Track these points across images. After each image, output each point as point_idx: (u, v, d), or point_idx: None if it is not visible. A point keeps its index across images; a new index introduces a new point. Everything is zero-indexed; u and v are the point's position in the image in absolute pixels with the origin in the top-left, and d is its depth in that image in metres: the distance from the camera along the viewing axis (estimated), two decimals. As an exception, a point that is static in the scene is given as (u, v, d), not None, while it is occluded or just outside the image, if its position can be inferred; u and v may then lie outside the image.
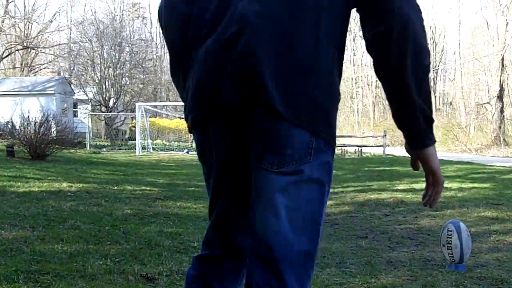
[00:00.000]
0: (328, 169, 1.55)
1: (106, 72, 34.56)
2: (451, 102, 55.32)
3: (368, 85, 57.72)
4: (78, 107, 37.53)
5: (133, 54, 37.51)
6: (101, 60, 34.70)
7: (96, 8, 50.54)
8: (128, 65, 36.67)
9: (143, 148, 28.21)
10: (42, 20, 43.26)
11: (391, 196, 8.64)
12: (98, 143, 33.36)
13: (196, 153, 2.47)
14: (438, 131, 38.56)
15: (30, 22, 39.92)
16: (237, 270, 1.78)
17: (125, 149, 29.58)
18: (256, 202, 1.55)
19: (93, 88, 35.04)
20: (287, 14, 1.46)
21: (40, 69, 42.06)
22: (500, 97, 33.87)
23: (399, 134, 39.15)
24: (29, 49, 38.37)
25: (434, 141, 1.57)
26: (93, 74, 34.94)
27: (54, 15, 43.24)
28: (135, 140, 28.73)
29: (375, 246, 5.11)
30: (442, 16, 56.18)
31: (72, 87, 35.94)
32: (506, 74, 35.64)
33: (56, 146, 16.02)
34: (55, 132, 16.42)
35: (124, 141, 36.04)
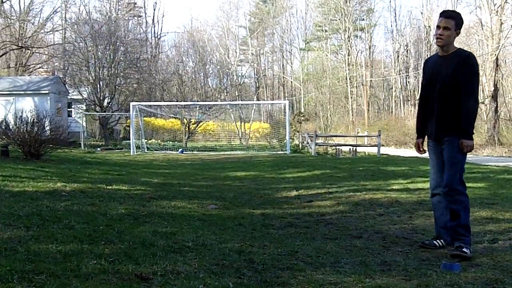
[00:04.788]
0: None
1: (100, 71, 34.46)
2: (445, 102, 55.31)
3: (362, 84, 57.67)
4: (73, 106, 37.44)
5: (127, 54, 37.43)
6: (96, 60, 34.59)
7: (91, 8, 50.25)
8: (123, 65, 36.56)
9: (138, 147, 28.19)
10: (37, 20, 43.17)
11: (386, 196, 8.65)
12: (92, 142, 33.31)
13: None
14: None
15: (24, 22, 39.75)
16: None
17: (120, 149, 29.54)
18: None
19: (88, 87, 34.95)
20: None
21: (35, 69, 41.94)
22: (494, 96, 33.95)
23: (393, 134, 39.17)
24: (23, 49, 38.21)
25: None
26: (87, 74, 34.83)
27: (50, 15, 43.12)
28: (129, 139, 28.70)
29: (370, 246, 5.12)
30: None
31: (67, 86, 35.84)
32: (500, 74, 35.76)
33: (50, 145, 15.97)
34: (48, 131, 16.38)
35: (119, 141, 35.99)
